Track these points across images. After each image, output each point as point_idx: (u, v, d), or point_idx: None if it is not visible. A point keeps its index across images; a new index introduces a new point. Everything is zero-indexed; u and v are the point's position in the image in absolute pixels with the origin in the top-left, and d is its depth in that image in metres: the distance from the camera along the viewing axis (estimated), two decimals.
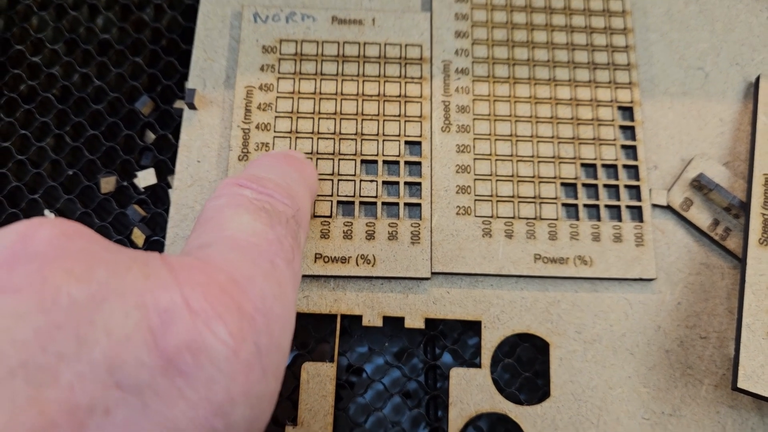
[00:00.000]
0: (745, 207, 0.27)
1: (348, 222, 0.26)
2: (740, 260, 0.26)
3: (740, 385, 0.24)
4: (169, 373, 0.12)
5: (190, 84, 0.28)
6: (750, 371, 0.24)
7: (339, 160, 0.27)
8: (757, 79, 0.29)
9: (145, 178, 0.28)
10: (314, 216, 0.26)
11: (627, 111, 0.29)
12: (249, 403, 0.13)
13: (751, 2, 0.31)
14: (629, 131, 0.29)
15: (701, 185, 0.28)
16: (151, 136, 0.29)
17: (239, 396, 0.13)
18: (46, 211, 0.27)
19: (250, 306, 0.14)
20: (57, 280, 0.12)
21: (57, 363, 0.11)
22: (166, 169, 0.28)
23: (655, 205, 0.28)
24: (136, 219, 0.27)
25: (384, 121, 0.28)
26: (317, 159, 0.27)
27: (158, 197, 0.28)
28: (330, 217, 0.26)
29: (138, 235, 0.27)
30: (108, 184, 0.28)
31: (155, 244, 0.27)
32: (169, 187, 0.28)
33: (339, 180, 0.27)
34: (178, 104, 0.29)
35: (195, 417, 0.12)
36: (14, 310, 0.11)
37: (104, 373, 0.11)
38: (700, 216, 0.28)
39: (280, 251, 0.16)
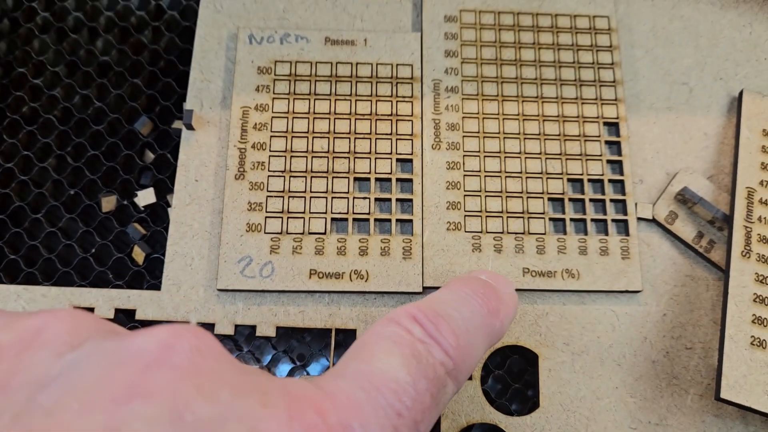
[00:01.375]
0: (728, 220, 0.28)
1: (342, 239, 0.27)
2: (724, 272, 0.27)
3: (723, 395, 0.25)
4: None
5: (187, 105, 0.29)
6: (732, 381, 0.25)
7: (333, 178, 0.28)
8: (741, 94, 0.30)
9: (145, 197, 0.29)
10: (309, 233, 0.27)
11: (613, 127, 0.30)
12: None
13: (735, 18, 0.32)
14: (615, 146, 0.29)
15: (686, 199, 0.28)
16: (150, 155, 0.30)
17: None
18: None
19: None
20: (187, 394, 0.13)
21: None
22: (165, 188, 0.29)
23: (640, 219, 0.29)
24: (137, 237, 0.28)
25: (376, 139, 0.29)
26: (311, 177, 0.28)
27: (158, 215, 0.29)
28: (324, 233, 0.27)
29: (138, 253, 0.28)
30: (109, 203, 0.29)
31: (155, 261, 0.28)
32: (169, 205, 0.29)
33: (333, 198, 0.28)
34: (177, 124, 0.30)
35: None
36: (145, 414, 0.12)
37: None
38: (685, 229, 0.29)
39: (412, 408, 0.16)
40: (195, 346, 0.14)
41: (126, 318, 0.27)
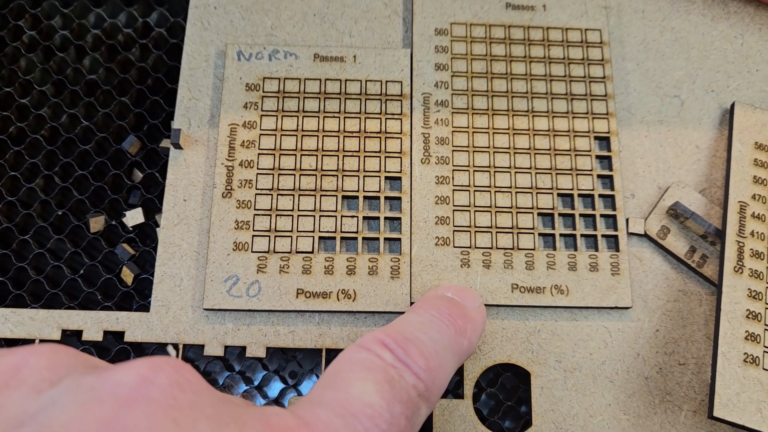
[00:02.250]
0: (720, 234, 0.28)
1: (329, 257, 0.27)
2: (717, 288, 0.27)
3: (716, 413, 0.24)
4: None
5: (175, 123, 0.29)
6: (726, 400, 0.25)
7: (321, 196, 0.28)
8: (732, 106, 0.30)
9: (133, 217, 0.29)
10: (296, 252, 0.27)
11: (604, 141, 0.30)
12: None
13: (726, 29, 0.32)
14: (606, 161, 0.29)
15: (677, 213, 0.28)
16: (138, 174, 0.30)
17: None
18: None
19: None
20: (164, 428, 0.13)
21: None
22: (153, 207, 0.29)
23: (632, 234, 0.29)
24: (125, 258, 0.28)
25: (365, 157, 0.28)
26: (299, 195, 0.28)
27: (146, 235, 0.29)
28: (312, 252, 0.27)
29: (127, 274, 0.28)
30: (97, 223, 0.29)
31: (143, 281, 0.28)
32: (157, 225, 0.29)
33: (320, 216, 0.27)
34: (165, 143, 0.29)
35: None
36: None
37: None
38: (677, 244, 0.28)
39: (388, 430, 0.17)
40: (174, 380, 0.14)
41: (115, 339, 0.27)
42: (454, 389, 0.27)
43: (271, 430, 0.15)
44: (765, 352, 0.25)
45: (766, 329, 0.26)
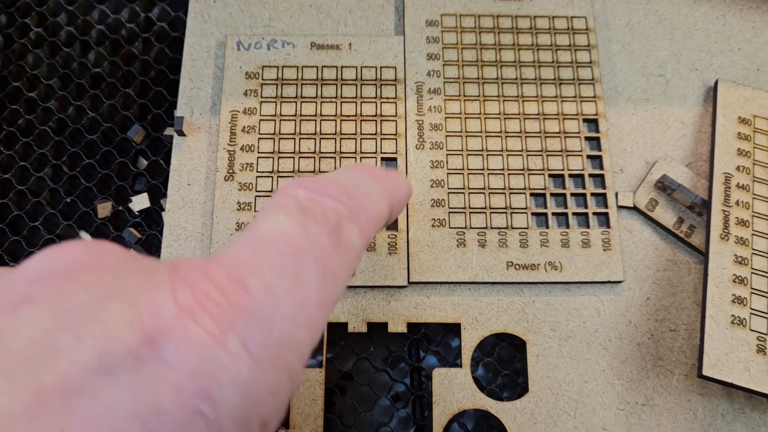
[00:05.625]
0: (707, 205, 0.29)
1: None
2: (704, 255, 0.28)
3: (705, 372, 0.25)
4: (154, 359, 0.13)
5: (178, 112, 0.30)
6: (714, 359, 0.25)
7: None
8: (716, 83, 0.31)
9: (139, 202, 0.30)
10: None
11: (592, 123, 0.31)
12: (239, 392, 0.14)
13: (708, 10, 0.33)
14: (595, 142, 0.30)
15: (665, 186, 0.29)
16: (143, 162, 0.31)
17: (227, 383, 0.14)
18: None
19: (247, 300, 0.15)
20: (69, 288, 0.14)
21: (56, 356, 0.13)
22: (158, 193, 0.30)
23: (621, 207, 0.30)
24: (132, 241, 0.29)
25: (361, 139, 0.30)
26: (298, 176, 0.29)
27: (152, 220, 0.30)
28: None
29: None
30: (104, 209, 0.30)
31: None
32: (162, 209, 0.30)
33: None
34: (168, 131, 0.31)
35: (178, 399, 0.13)
36: (29, 316, 0.13)
37: (96, 361, 0.13)
38: (665, 215, 0.29)
39: (308, 248, 0.16)
40: (81, 251, 0.15)
41: None
42: (454, 359, 0.28)
43: (179, 273, 0.15)
44: (752, 314, 0.26)
45: (752, 293, 0.27)
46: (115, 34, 0.32)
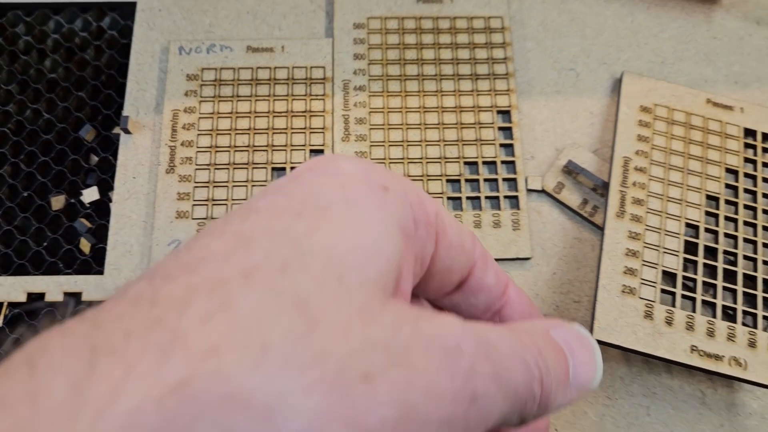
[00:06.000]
0: (607, 186, 0.31)
1: None
2: (601, 230, 0.30)
3: (595, 336, 0.28)
4: None
5: (125, 112, 0.33)
6: (604, 324, 0.28)
7: (253, 168, 0.31)
8: (622, 75, 0.34)
9: (90, 194, 0.32)
10: None
11: (506, 114, 0.33)
12: None
13: (618, 8, 0.36)
14: (507, 131, 0.33)
15: (570, 170, 0.32)
16: (94, 159, 0.33)
17: None
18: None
19: None
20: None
21: None
22: (107, 186, 0.33)
23: (531, 190, 0.32)
24: (83, 230, 0.32)
25: (292, 133, 0.32)
26: (234, 168, 0.31)
27: (102, 210, 0.32)
28: None
29: (85, 244, 0.32)
30: (58, 202, 0.32)
31: (100, 250, 0.31)
32: (111, 201, 0.32)
33: (252, 186, 0.31)
34: (117, 130, 0.33)
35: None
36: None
37: None
38: (571, 197, 0.32)
39: None
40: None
41: (75, 300, 0.31)
42: None
43: None
44: (642, 283, 0.29)
45: (644, 264, 0.29)
46: (69, 42, 0.35)
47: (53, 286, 0.30)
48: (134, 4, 0.35)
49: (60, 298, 0.30)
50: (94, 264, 0.31)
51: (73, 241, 0.32)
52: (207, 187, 0.31)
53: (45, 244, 0.32)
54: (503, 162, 0.32)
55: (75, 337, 0.12)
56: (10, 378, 0.11)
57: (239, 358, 0.12)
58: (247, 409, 0.12)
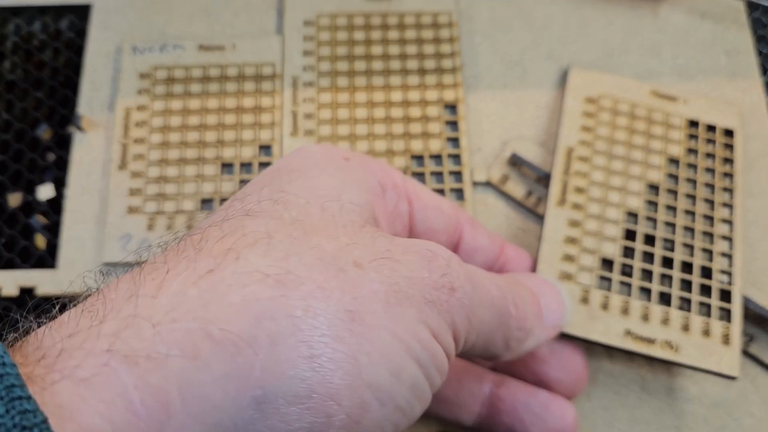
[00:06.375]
0: (549, 176, 0.32)
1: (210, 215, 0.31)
2: (543, 219, 0.31)
3: None
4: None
5: (79, 111, 0.33)
6: None
7: (203, 164, 0.32)
8: (568, 68, 0.34)
9: (45, 191, 0.33)
10: (181, 212, 0.31)
11: (452, 108, 0.34)
12: None
13: (565, 3, 0.37)
14: (454, 125, 0.34)
15: (515, 162, 0.32)
16: (51, 156, 0.34)
17: None
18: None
19: None
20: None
21: None
22: (63, 183, 0.33)
23: (477, 183, 0.33)
24: (39, 227, 0.33)
25: (241, 128, 0.33)
26: (185, 164, 0.32)
27: (58, 207, 0.33)
28: (194, 212, 0.31)
29: (40, 240, 0.32)
30: (15, 199, 0.33)
31: (54, 247, 0.32)
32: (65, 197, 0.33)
33: (203, 181, 0.32)
34: (73, 129, 0.34)
35: None
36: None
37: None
38: (516, 188, 0.33)
39: None
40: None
41: (29, 295, 0.31)
42: None
43: None
44: (580, 269, 0.29)
45: (582, 251, 0.30)
46: (28, 44, 0.36)
47: (9, 280, 0.31)
48: (90, 6, 0.36)
49: (16, 292, 0.31)
50: (50, 259, 0.32)
51: (31, 237, 0.33)
52: (158, 183, 0.32)
53: (3, 240, 0.32)
54: (449, 155, 0.33)
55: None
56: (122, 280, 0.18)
57: (251, 250, 0.17)
58: (262, 281, 0.16)
